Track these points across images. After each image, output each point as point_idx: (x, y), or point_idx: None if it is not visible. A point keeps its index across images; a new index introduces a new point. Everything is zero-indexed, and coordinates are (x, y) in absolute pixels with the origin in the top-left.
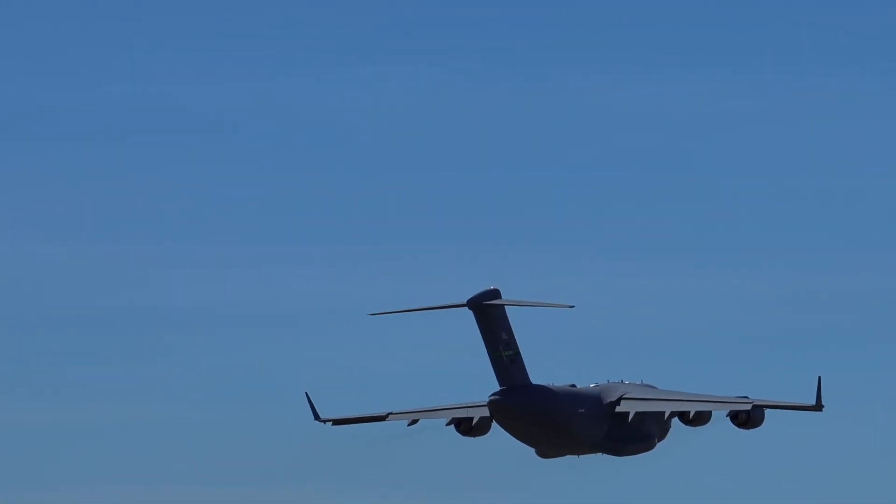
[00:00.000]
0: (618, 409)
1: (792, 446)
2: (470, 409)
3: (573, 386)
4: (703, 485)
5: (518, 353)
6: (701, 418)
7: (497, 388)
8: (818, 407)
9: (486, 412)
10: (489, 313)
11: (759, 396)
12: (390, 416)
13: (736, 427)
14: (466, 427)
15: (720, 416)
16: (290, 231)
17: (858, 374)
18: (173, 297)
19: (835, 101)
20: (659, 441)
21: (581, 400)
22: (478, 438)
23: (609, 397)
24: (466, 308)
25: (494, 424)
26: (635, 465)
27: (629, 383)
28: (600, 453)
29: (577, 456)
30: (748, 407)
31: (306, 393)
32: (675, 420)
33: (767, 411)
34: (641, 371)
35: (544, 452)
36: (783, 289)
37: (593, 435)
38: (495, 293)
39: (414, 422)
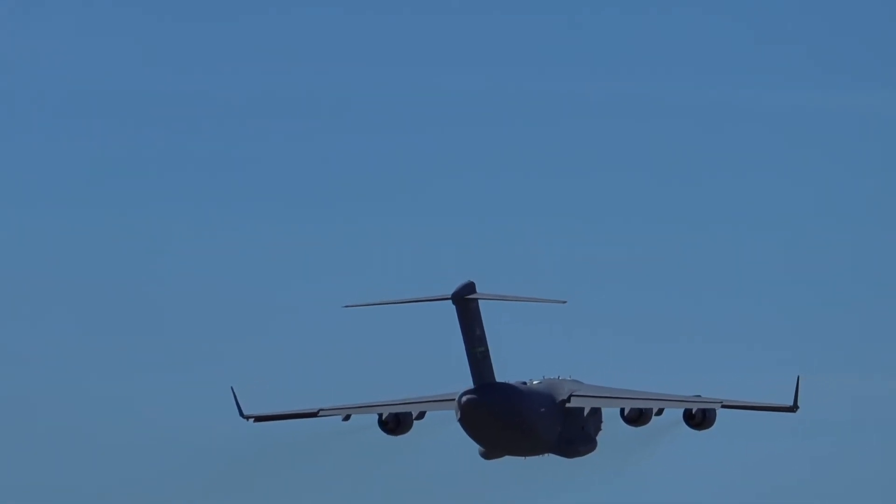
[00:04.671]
0: (568, 405)
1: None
2: (407, 405)
3: (524, 383)
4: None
5: (488, 350)
6: (644, 417)
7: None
8: (794, 408)
9: (421, 409)
10: (469, 307)
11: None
12: (321, 413)
13: (689, 427)
14: (393, 425)
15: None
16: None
17: None
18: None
19: None
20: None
21: (541, 399)
22: (400, 437)
23: (559, 395)
24: (450, 302)
25: (416, 423)
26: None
27: (562, 379)
28: (549, 454)
29: (522, 458)
30: (718, 405)
31: (231, 388)
32: (609, 417)
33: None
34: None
35: (490, 453)
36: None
37: (551, 435)
38: (473, 287)
39: (347, 417)
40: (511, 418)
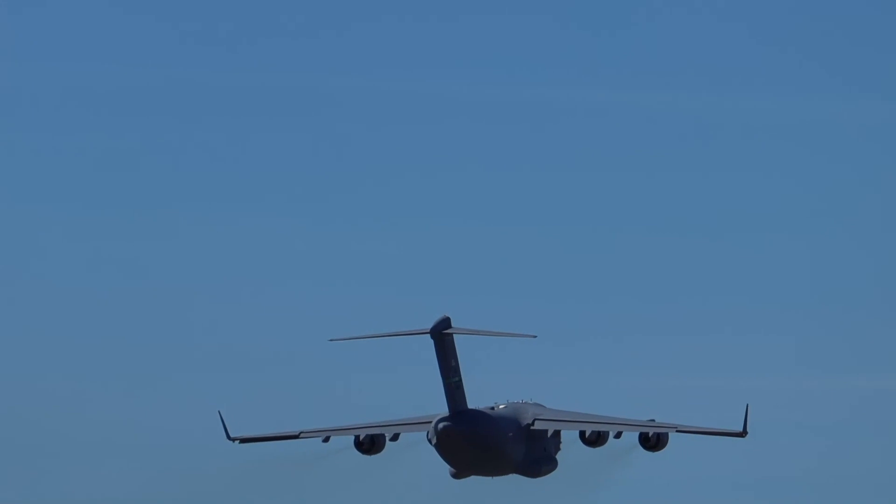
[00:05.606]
0: (533, 428)
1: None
2: (383, 427)
3: (492, 408)
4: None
5: (461, 380)
6: (602, 439)
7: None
8: (743, 433)
9: (395, 431)
10: (445, 341)
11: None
12: (302, 435)
13: (644, 449)
14: (368, 446)
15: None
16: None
17: None
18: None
19: None
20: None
21: (509, 423)
22: (374, 457)
23: (523, 419)
24: (427, 336)
25: (389, 444)
26: None
27: (525, 403)
28: (514, 474)
29: (490, 478)
30: (672, 430)
31: (219, 412)
32: (568, 438)
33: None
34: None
35: (460, 473)
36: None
37: (517, 457)
38: (448, 322)
39: (327, 439)
40: (483, 443)
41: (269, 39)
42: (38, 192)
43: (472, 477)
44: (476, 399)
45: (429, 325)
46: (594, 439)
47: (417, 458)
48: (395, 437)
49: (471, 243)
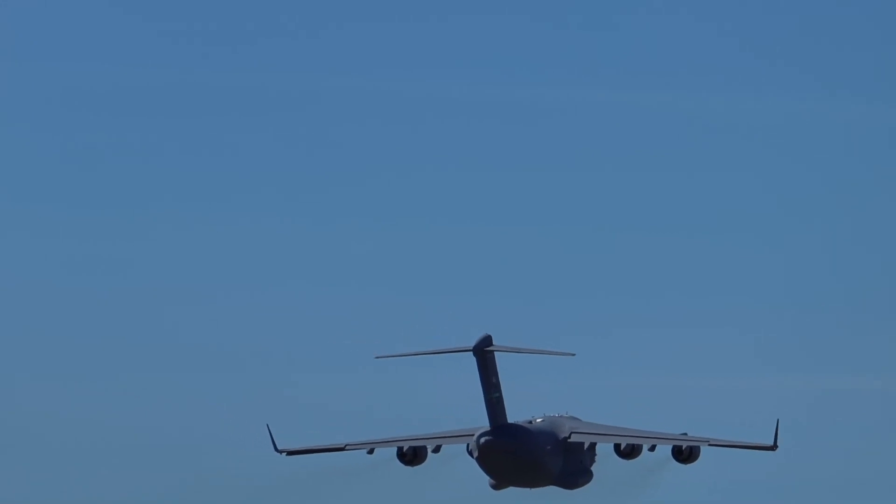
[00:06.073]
0: (570, 441)
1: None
2: (425, 440)
3: (529, 422)
4: None
5: (502, 395)
6: (636, 452)
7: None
8: (773, 447)
9: (437, 443)
10: (487, 358)
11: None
12: (348, 447)
13: (677, 462)
14: (410, 457)
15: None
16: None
17: None
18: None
19: None
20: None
21: (547, 437)
22: (417, 468)
23: (561, 433)
24: (470, 353)
25: (431, 456)
26: None
27: (561, 416)
28: (551, 486)
29: (528, 489)
30: (705, 443)
31: (267, 425)
32: (603, 451)
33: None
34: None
35: (500, 485)
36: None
37: (555, 469)
38: (490, 340)
39: (371, 451)
40: (523, 456)
41: (268, 39)
42: (38, 192)
43: (511, 488)
44: (513, 412)
45: (462, 337)
46: (629, 452)
47: (458, 469)
48: (437, 450)
49: (469, 243)
